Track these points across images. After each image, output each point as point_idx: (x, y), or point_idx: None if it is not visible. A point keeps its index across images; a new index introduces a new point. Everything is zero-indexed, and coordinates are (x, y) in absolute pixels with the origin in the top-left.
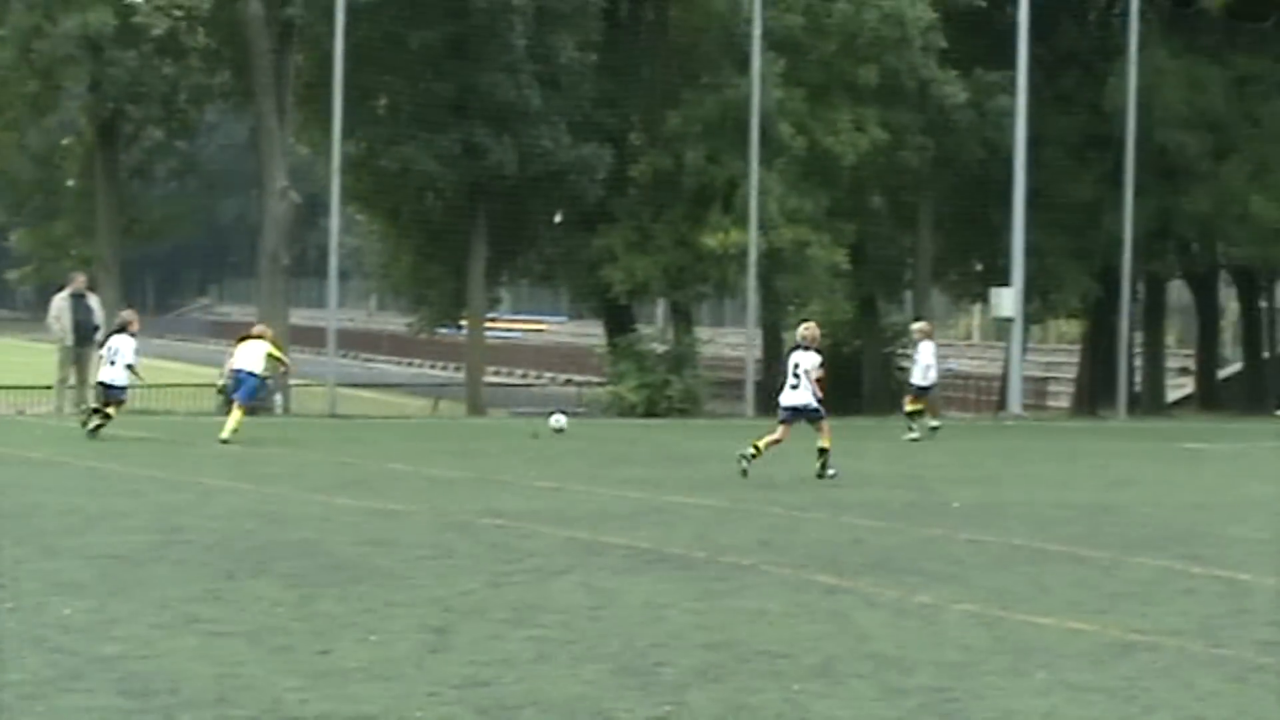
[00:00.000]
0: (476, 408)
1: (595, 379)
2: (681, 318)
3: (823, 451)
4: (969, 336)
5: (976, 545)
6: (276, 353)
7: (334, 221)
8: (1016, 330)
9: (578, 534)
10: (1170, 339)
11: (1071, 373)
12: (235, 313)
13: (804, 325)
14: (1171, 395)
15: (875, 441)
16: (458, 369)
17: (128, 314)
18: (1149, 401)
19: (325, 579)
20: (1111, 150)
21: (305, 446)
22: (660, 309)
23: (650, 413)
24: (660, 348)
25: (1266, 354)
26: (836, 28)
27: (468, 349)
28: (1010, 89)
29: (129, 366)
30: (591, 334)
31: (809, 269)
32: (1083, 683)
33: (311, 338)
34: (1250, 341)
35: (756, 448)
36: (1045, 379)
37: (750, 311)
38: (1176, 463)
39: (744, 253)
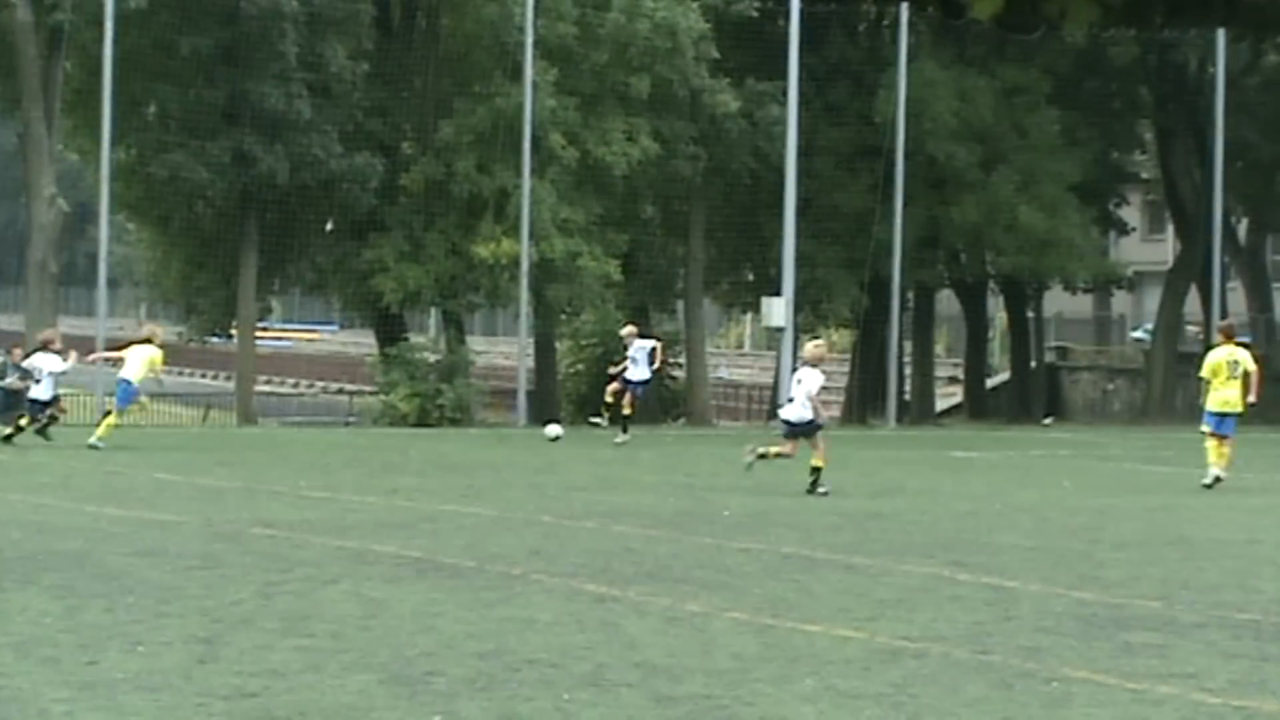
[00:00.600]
0: (247, 417)
1: (367, 388)
2: (453, 327)
3: (815, 470)
4: (740, 345)
5: (747, 553)
6: (158, 361)
7: (103, 229)
8: (787, 339)
9: (348, 543)
10: (939, 348)
11: (842, 382)
12: (3, 321)
13: (811, 343)
14: (940, 404)
15: (647, 450)
16: (228, 378)
17: (49, 333)
18: (918, 410)
19: (93, 589)
20: (881, 160)
21: (74, 455)
22: (432, 318)
23: (422, 422)
24: (432, 357)
25: (1034, 363)
26: (608, 37)
27: (238, 358)
28: (781, 99)
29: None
30: (363, 343)
31: (581, 278)
32: (851, 689)
33: (81, 347)
34: (1018, 351)
35: (764, 454)
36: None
37: (522, 321)
38: (945, 470)
39: (516, 262)
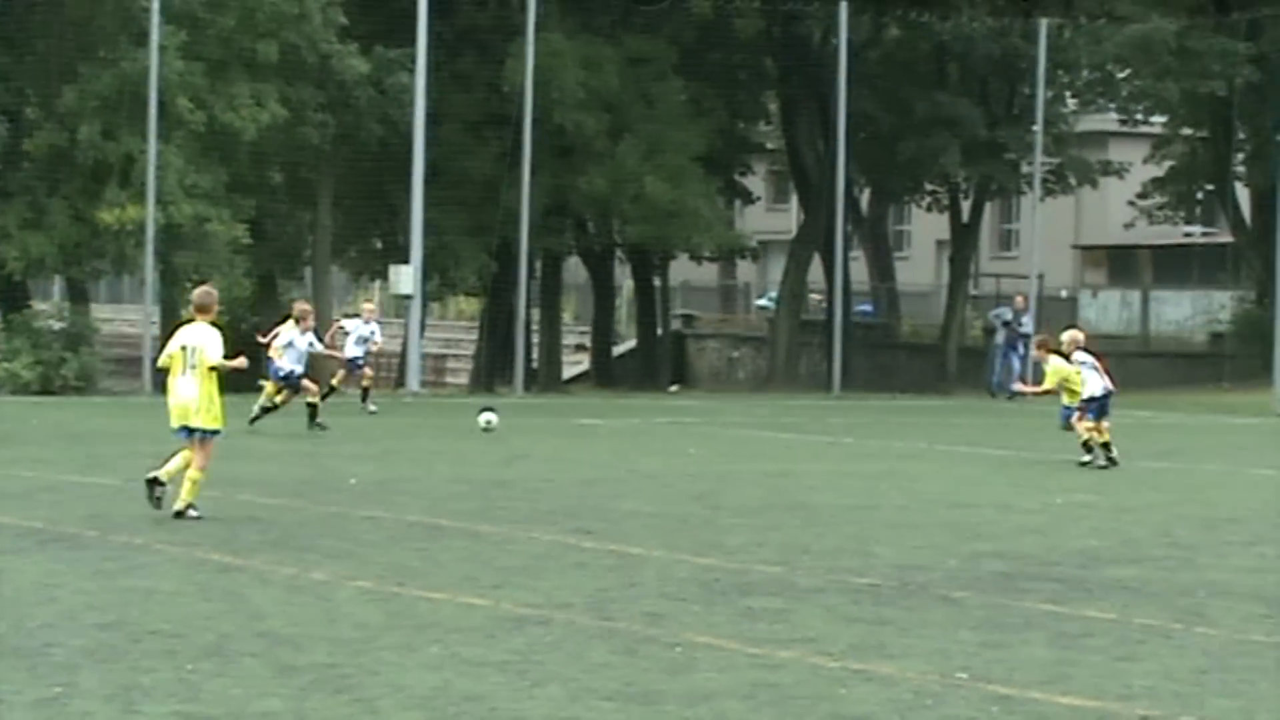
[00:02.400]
0: None
1: None
2: (78, 295)
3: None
4: None
5: (372, 521)
6: None
7: None
8: (415, 307)
9: None
10: (567, 316)
11: (470, 349)
12: None
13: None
14: (568, 371)
15: (271, 418)
16: None
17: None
18: (546, 377)
19: None
20: (510, 128)
21: None
22: (57, 286)
23: (45, 390)
24: (56, 325)
25: (660, 331)
26: (236, 2)
27: None
28: (410, 66)
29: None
30: None
31: (208, 245)
32: (475, 657)
33: None
34: (644, 319)
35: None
36: (444, 356)
37: (148, 289)
38: (571, 438)
39: (142, 228)
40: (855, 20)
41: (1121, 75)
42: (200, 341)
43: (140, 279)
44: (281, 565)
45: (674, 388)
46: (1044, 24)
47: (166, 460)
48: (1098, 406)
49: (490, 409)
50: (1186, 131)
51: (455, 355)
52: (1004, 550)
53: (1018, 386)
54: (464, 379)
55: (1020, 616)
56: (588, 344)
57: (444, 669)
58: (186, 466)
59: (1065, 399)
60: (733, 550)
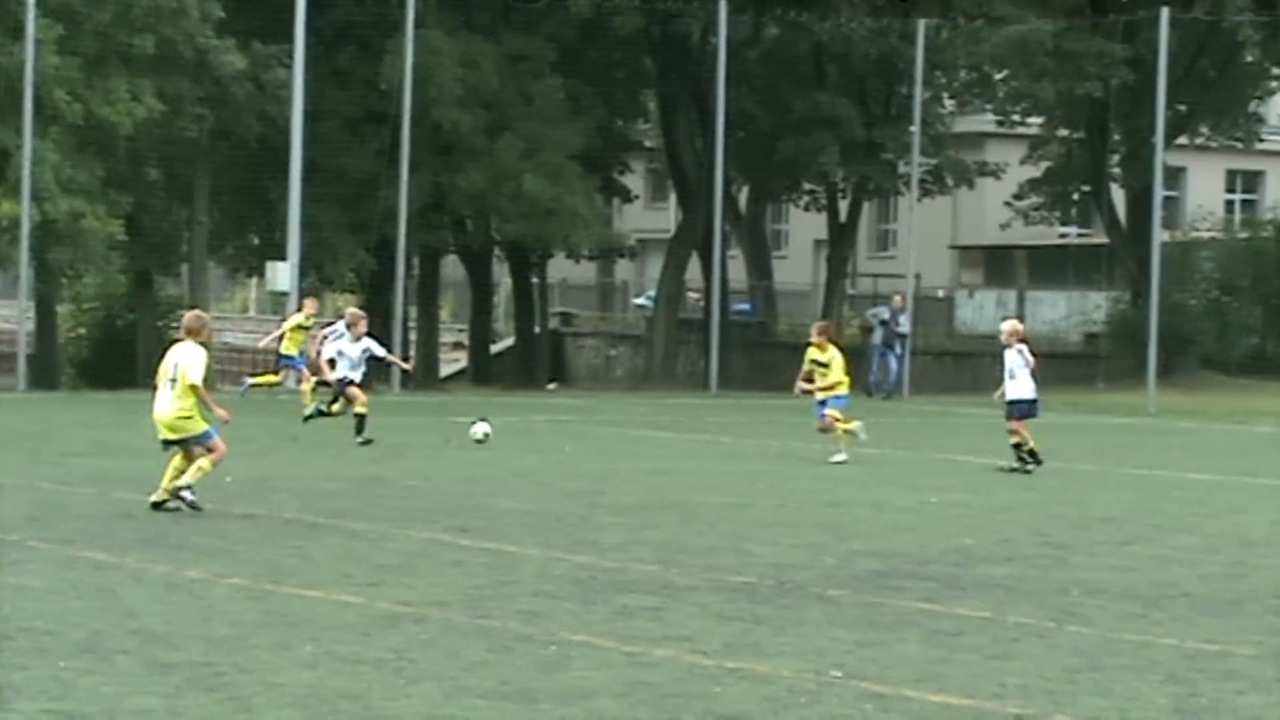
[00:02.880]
0: None
1: None
2: None
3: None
4: (246, 310)
5: (248, 520)
6: None
7: None
8: (292, 305)
9: None
10: (445, 314)
11: None
12: None
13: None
14: (446, 369)
15: (148, 415)
16: None
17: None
18: (423, 375)
19: None
20: (388, 126)
21: None
22: None
23: None
24: None
25: (538, 329)
26: None
27: None
28: (288, 62)
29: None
30: None
31: (84, 241)
32: (350, 655)
33: None
34: (522, 317)
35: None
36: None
37: (22, 284)
38: (445, 434)
39: (17, 224)
40: (734, 19)
41: (999, 76)
42: (185, 361)
43: (15, 275)
44: (156, 563)
45: (552, 386)
46: (922, 25)
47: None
48: (1025, 408)
49: (484, 419)
50: (1063, 133)
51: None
52: (879, 549)
53: (803, 387)
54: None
55: (895, 615)
56: (465, 342)
57: (319, 667)
58: (180, 473)
59: (841, 390)
60: (609, 548)
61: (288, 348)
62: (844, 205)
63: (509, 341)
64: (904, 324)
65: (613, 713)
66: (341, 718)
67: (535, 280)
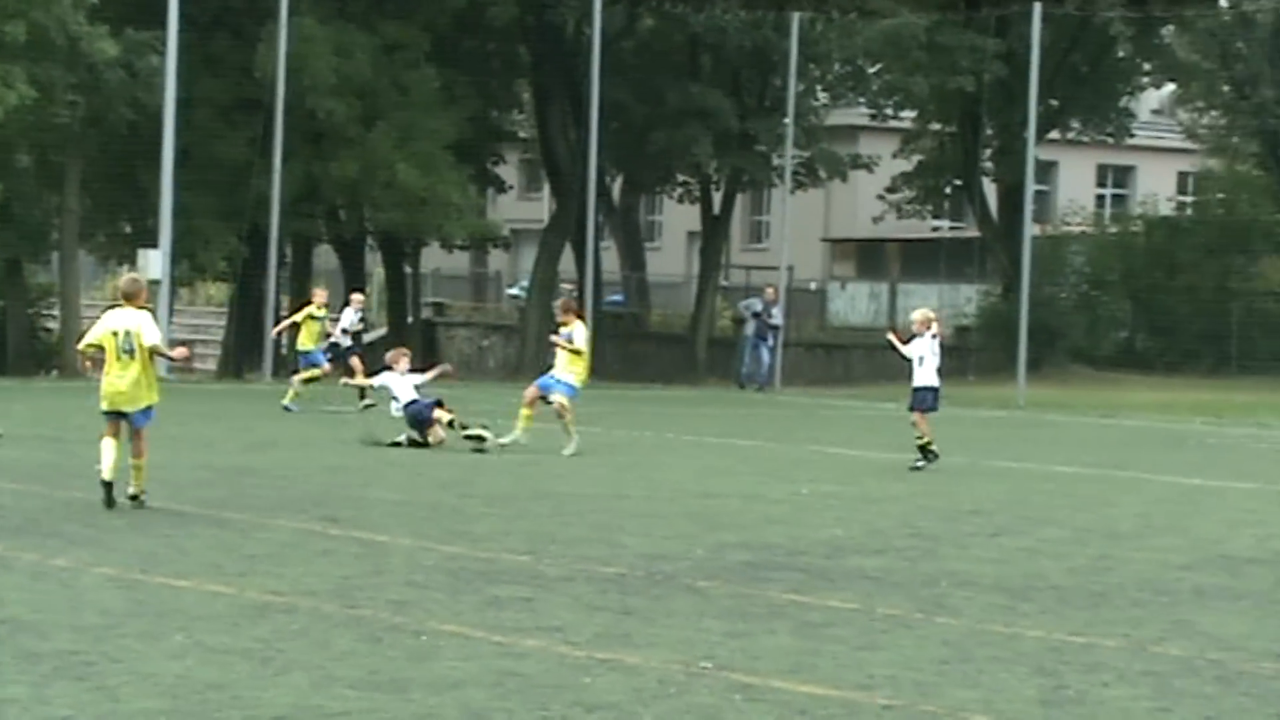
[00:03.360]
0: None
1: None
2: None
3: None
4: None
5: (117, 508)
6: None
7: None
8: (164, 292)
9: None
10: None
11: (219, 335)
12: None
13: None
14: None
15: (18, 403)
16: None
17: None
18: (294, 363)
19: None
20: (262, 114)
21: None
22: None
23: None
24: None
25: (411, 319)
26: None
27: None
28: (161, 48)
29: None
30: None
31: None
32: (219, 645)
33: None
34: (395, 306)
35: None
36: (192, 341)
37: None
38: (318, 425)
39: None
40: (609, 10)
41: (872, 70)
42: (134, 325)
43: None
44: (24, 551)
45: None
46: (796, 17)
47: (99, 458)
48: (928, 398)
49: (485, 425)
50: (935, 127)
51: (205, 340)
52: (749, 540)
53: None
54: (212, 365)
55: (765, 606)
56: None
57: (187, 657)
58: (119, 453)
59: (575, 379)
60: (479, 538)
61: (304, 342)
62: (717, 197)
63: (382, 331)
64: (776, 316)
65: (482, 703)
66: (210, 707)
67: (408, 270)
